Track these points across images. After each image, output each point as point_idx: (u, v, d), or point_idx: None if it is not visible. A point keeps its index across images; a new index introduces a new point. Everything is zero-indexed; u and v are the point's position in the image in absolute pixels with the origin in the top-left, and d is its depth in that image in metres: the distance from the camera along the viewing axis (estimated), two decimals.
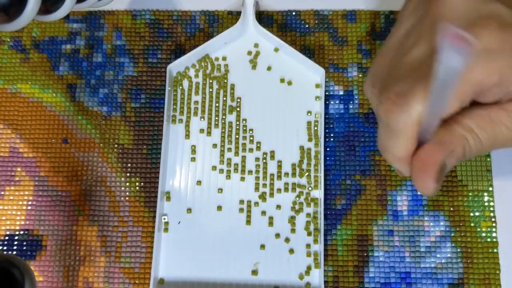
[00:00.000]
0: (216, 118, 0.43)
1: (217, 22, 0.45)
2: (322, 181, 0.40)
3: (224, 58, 0.44)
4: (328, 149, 0.42)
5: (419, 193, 0.40)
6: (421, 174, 0.26)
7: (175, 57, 0.44)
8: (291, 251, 0.40)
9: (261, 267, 0.39)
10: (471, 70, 0.24)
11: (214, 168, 0.42)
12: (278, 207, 0.41)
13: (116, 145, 0.43)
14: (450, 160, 0.26)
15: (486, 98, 0.26)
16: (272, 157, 0.42)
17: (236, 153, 0.42)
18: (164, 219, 0.40)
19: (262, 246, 0.40)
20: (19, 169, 0.42)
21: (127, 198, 0.42)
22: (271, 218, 0.40)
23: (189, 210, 0.41)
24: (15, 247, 0.41)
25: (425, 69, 0.25)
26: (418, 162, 0.27)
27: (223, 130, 0.42)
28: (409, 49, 0.28)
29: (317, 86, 0.43)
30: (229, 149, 0.42)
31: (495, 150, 0.30)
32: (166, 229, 0.40)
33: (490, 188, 0.41)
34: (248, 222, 0.40)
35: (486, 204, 0.41)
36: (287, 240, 0.40)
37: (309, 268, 0.39)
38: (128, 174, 0.42)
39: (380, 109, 0.27)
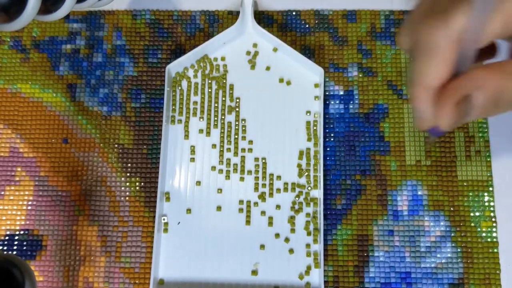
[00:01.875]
0: (215, 118, 0.43)
1: (217, 22, 0.45)
2: (321, 181, 0.40)
3: (223, 58, 0.44)
4: (328, 149, 0.42)
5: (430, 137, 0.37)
6: (442, 100, 0.25)
7: (175, 57, 0.44)
8: (291, 251, 0.40)
9: (261, 267, 0.39)
10: None
11: (213, 168, 0.42)
12: (278, 207, 0.41)
13: (116, 145, 0.43)
14: (478, 95, 0.24)
15: None
16: (271, 157, 0.42)
17: (236, 153, 0.42)
18: (164, 219, 0.40)
19: (262, 246, 0.40)
20: (19, 169, 0.42)
21: (127, 198, 0.42)
22: (270, 218, 0.40)
23: (188, 211, 0.41)
24: (15, 247, 0.41)
25: None
26: (444, 90, 0.25)
27: (222, 131, 0.42)
28: None
29: (316, 85, 0.43)
30: (228, 149, 0.42)
31: None
32: (165, 230, 0.40)
33: (491, 188, 0.41)
34: (248, 222, 0.40)
35: (487, 204, 0.41)
36: (286, 240, 0.40)
37: (309, 268, 0.39)
38: (128, 174, 0.42)
39: (422, 28, 0.24)
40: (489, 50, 0.26)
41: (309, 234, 0.40)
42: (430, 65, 0.24)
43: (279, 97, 0.43)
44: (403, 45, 0.27)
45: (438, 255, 0.40)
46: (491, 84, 0.24)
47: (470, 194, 0.41)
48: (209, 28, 0.45)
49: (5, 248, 0.41)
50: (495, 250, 0.40)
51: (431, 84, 0.25)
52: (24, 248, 0.41)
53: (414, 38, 0.25)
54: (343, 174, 0.41)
